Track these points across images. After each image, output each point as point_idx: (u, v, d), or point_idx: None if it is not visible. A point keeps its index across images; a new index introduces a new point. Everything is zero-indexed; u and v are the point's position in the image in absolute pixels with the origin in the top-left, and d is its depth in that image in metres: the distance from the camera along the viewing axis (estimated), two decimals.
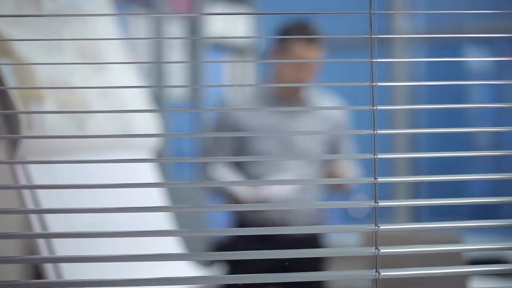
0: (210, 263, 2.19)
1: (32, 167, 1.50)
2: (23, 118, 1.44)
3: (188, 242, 2.22)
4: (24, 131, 1.45)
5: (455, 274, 1.12)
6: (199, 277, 1.09)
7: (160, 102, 3.33)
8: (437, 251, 1.03)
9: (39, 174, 1.53)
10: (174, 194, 2.48)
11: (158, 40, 3.22)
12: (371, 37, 0.99)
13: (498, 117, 4.14)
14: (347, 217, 4.36)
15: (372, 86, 0.99)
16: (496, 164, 4.15)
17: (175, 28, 3.56)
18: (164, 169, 3.27)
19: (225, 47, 3.97)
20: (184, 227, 1.32)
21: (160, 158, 1.60)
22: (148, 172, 2.10)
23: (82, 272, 1.47)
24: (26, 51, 1.53)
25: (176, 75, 3.56)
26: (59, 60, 1.65)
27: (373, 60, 0.99)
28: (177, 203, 1.37)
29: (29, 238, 1.62)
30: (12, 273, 2.26)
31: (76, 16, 1.82)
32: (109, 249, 1.24)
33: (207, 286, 1.79)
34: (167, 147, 3.42)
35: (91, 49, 1.86)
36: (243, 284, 1.03)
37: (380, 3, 1.05)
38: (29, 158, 1.49)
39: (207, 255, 1.06)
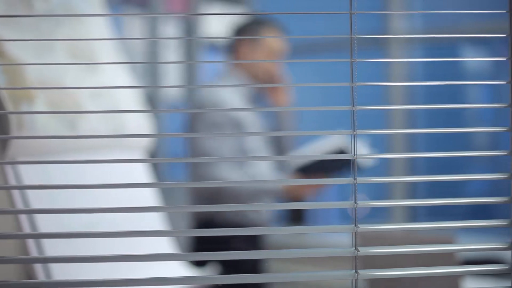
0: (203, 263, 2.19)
1: (22, 168, 1.50)
2: (13, 118, 1.45)
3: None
4: (14, 132, 1.45)
5: (441, 274, 1.12)
6: (196, 277, 1.09)
7: (155, 102, 3.33)
8: (420, 252, 1.03)
9: (29, 174, 1.53)
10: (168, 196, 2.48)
11: (153, 40, 3.22)
12: (351, 37, 0.99)
13: (497, 116, 4.13)
14: (347, 217, 4.36)
15: (352, 86, 0.99)
16: (496, 164, 4.13)
17: (170, 28, 3.56)
18: (157, 170, 3.27)
19: (222, 48, 3.98)
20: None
21: (155, 158, 1.59)
22: (141, 173, 2.10)
23: (77, 273, 1.47)
24: (16, 51, 1.54)
25: (172, 75, 3.56)
26: (50, 60, 1.65)
27: (353, 60, 0.98)
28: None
29: (21, 238, 1.62)
30: (2, 273, 2.25)
31: (69, 16, 1.82)
32: (102, 251, 1.24)
33: (198, 286, 1.79)
34: (162, 148, 3.42)
35: (84, 50, 1.86)
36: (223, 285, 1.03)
37: (368, 3, 1.05)
38: (19, 159, 1.50)
39: (201, 255, 1.06)
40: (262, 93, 2.90)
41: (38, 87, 1.55)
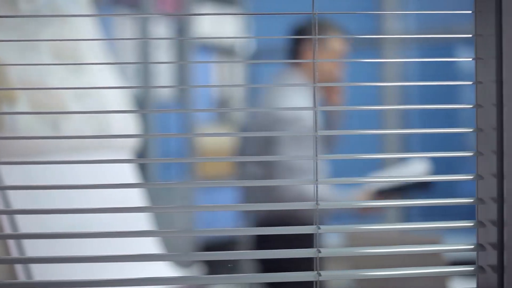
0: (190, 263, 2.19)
1: (2, 169, 1.50)
2: None
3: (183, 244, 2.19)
4: None
5: (413, 275, 1.11)
6: (184, 277, 1.09)
7: (147, 103, 3.33)
8: (377, 253, 1.02)
9: (11, 175, 1.53)
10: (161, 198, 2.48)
11: (144, 41, 3.22)
12: (314, 37, 0.99)
13: None
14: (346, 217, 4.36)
15: (314, 87, 0.99)
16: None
17: (162, 29, 3.56)
18: (147, 170, 3.28)
19: (213, 48, 3.98)
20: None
21: (145, 158, 1.59)
22: (128, 174, 2.09)
23: (69, 273, 1.47)
24: None
25: (164, 75, 3.55)
26: (35, 61, 1.65)
27: (315, 61, 0.98)
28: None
29: (4, 238, 1.61)
30: None
31: (56, 16, 1.82)
32: (92, 251, 1.24)
33: (185, 287, 1.78)
34: (153, 148, 3.42)
35: (69, 50, 1.86)
36: None
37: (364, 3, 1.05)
38: (0, 159, 1.50)
39: (191, 255, 1.07)
40: (321, 95, 2.94)
41: (20, 88, 1.55)
